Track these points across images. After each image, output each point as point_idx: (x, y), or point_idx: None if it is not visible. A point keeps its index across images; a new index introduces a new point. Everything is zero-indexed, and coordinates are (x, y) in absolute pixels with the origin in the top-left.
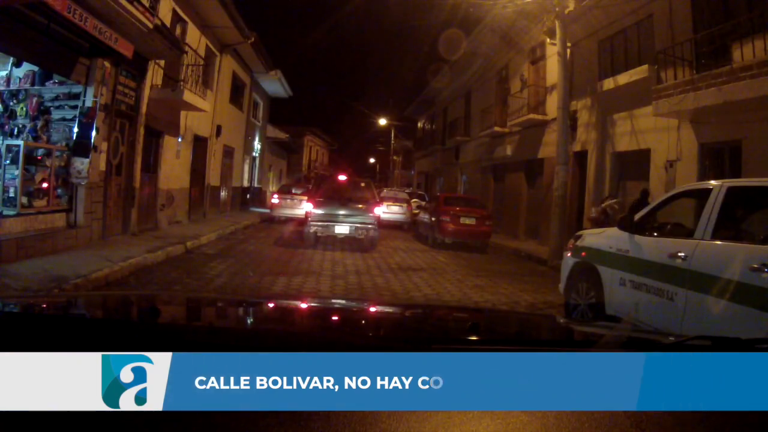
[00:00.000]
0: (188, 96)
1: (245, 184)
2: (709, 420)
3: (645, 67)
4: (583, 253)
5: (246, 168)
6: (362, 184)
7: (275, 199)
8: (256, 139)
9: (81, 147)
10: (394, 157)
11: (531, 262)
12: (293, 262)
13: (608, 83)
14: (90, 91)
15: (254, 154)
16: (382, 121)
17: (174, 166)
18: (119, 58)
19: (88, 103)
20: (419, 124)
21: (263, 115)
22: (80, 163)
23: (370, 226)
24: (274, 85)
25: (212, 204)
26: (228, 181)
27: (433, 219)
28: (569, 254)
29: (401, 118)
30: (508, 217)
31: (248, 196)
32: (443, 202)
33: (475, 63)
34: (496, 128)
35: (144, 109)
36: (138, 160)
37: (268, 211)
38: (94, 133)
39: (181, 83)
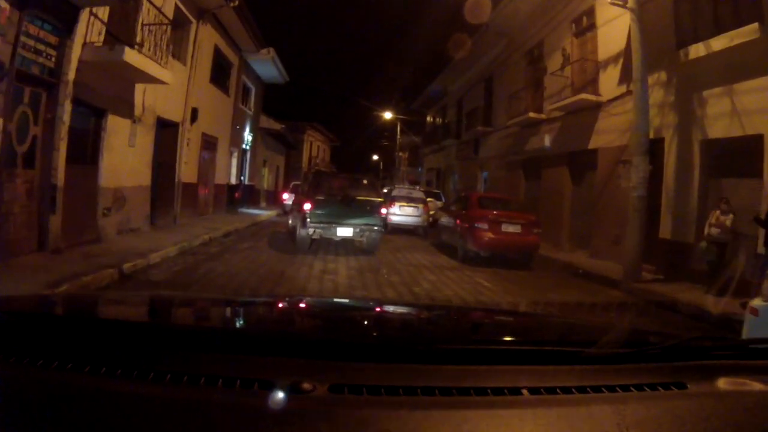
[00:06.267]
0: (132, 57)
1: (233, 181)
2: (693, 418)
3: (754, 26)
4: None
5: (234, 162)
6: (364, 182)
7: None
8: (247, 129)
9: None
10: (400, 153)
11: (594, 282)
12: (277, 293)
13: (696, 50)
14: None
15: (244, 146)
16: (388, 115)
17: (125, 156)
18: None
19: None
20: (428, 118)
21: (255, 103)
22: None
23: (375, 228)
24: (268, 67)
25: (186, 205)
26: (209, 178)
27: (464, 225)
28: None
29: (408, 112)
30: (547, 222)
31: (237, 195)
32: (477, 204)
33: (499, 43)
34: (531, 114)
35: (72, 75)
36: (62, 147)
37: (261, 212)
38: None
39: (136, 46)
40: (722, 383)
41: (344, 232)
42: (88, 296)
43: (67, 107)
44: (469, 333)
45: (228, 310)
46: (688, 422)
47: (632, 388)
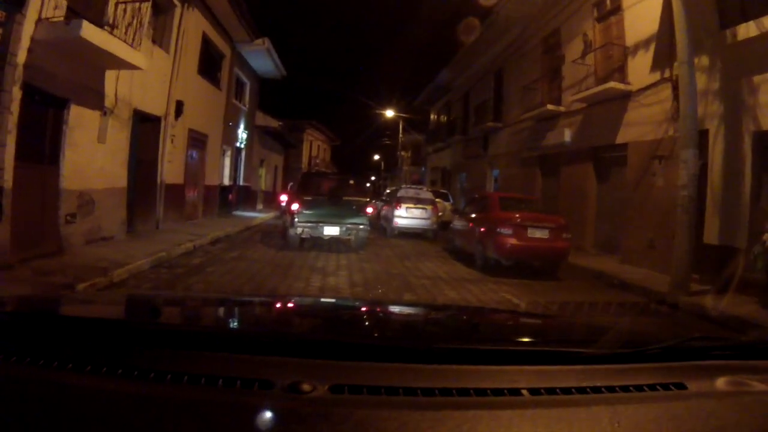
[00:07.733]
0: (93, 34)
1: (226, 181)
2: (693, 418)
3: None
4: None
5: (227, 162)
6: (351, 182)
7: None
8: (242, 126)
9: None
10: (402, 153)
11: (634, 294)
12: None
13: (745, 30)
14: None
15: (239, 145)
16: (389, 113)
17: (94, 153)
18: None
19: None
20: (432, 115)
21: (251, 98)
22: None
23: (362, 227)
24: (264, 60)
25: (171, 209)
26: (198, 178)
27: (483, 230)
28: None
29: (410, 110)
30: (569, 224)
31: (230, 196)
32: (498, 205)
33: (510, 32)
34: (549, 107)
35: (22, 56)
36: (9, 142)
37: (257, 215)
38: None
39: (107, 27)
40: (722, 383)
41: (331, 231)
42: (89, 296)
43: (16, 95)
44: (469, 333)
45: (228, 310)
46: (687, 422)
47: (632, 389)
